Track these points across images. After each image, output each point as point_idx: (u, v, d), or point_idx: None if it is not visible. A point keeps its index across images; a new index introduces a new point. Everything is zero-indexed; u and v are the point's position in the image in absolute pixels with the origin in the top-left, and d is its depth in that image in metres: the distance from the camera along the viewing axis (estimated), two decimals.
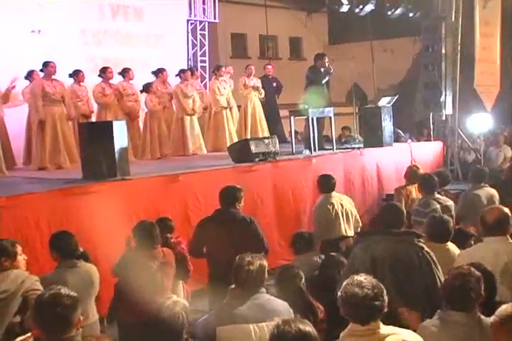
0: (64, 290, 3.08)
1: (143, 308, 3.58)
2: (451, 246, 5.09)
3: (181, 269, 5.47)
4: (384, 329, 3.17)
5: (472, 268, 3.61)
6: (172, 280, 5.18)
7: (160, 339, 3.41)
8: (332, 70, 10.84)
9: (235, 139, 11.17)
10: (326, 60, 10.88)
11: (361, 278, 3.21)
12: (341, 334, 3.22)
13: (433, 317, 3.56)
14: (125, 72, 10.43)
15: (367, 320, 3.13)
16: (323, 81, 10.74)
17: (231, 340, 3.71)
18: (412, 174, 8.15)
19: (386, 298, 3.17)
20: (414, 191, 7.88)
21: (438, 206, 6.86)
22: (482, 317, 3.49)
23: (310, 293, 4.95)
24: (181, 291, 5.69)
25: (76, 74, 9.85)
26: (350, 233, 7.05)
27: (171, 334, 3.35)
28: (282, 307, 3.86)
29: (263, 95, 11.97)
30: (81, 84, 9.95)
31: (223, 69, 11.78)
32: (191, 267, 5.81)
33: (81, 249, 5.00)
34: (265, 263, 3.94)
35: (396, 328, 3.25)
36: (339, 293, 3.19)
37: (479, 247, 4.70)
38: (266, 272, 3.93)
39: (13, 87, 9.63)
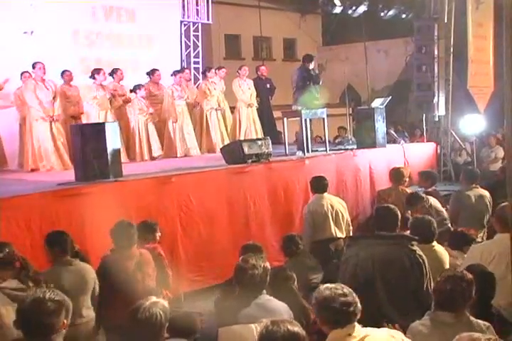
0: (48, 295, 2.98)
1: (124, 310, 3.56)
2: (437, 246, 5.09)
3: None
4: (358, 332, 3.11)
5: (465, 272, 3.61)
6: (154, 278, 5.16)
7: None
8: (317, 72, 10.79)
9: (227, 140, 11.14)
10: (313, 63, 10.84)
11: (334, 285, 3.21)
12: None
13: (422, 318, 3.56)
14: (114, 73, 10.42)
15: (341, 324, 3.09)
16: (307, 83, 10.62)
17: (232, 340, 3.71)
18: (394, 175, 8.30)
19: (359, 305, 3.12)
20: (393, 194, 7.91)
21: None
22: (471, 318, 3.50)
23: (303, 296, 4.95)
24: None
25: (64, 75, 9.82)
26: (340, 234, 7.05)
27: (149, 334, 3.34)
28: (282, 308, 3.92)
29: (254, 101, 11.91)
30: (71, 84, 9.90)
31: (213, 70, 11.77)
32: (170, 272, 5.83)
33: (76, 247, 5.02)
34: (268, 265, 3.99)
35: (372, 329, 3.19)
36: (314, 299, 3.18)
37: (492, 242, 4.78)
38: (268, 274, 3.96)
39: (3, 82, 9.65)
